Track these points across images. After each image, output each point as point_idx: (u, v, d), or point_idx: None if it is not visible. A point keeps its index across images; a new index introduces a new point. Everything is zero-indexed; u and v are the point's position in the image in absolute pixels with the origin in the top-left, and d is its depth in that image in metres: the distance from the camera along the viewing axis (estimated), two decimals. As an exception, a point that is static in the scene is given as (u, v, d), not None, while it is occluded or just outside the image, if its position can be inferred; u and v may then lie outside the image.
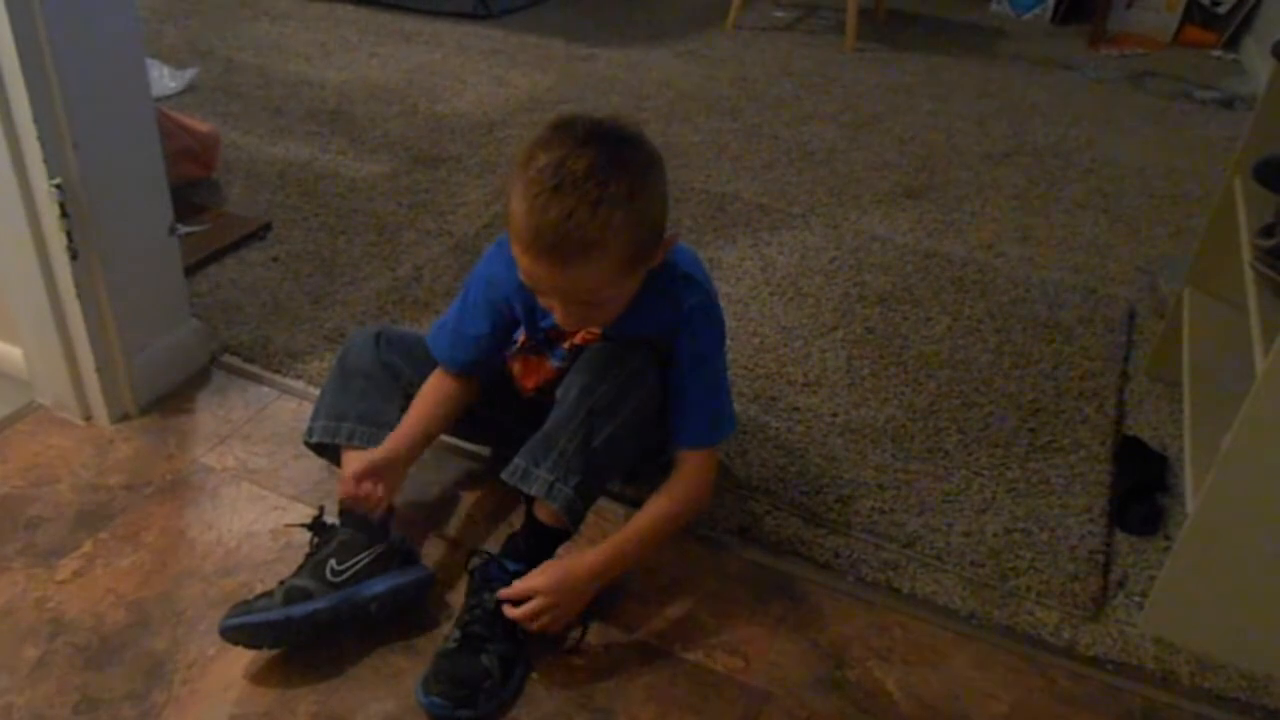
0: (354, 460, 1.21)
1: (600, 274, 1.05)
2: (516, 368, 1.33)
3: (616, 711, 1.12)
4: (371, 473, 1.19)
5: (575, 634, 1.18)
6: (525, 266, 1.07)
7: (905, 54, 3.47)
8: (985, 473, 1.50)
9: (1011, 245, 2.18)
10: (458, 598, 1.20)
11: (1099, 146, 2.77)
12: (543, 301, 1.14)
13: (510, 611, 1.12)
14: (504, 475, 1.18)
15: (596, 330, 1.21)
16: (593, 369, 1.18)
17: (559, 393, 1.20)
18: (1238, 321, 1.44)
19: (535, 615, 1.12)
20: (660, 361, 1.21)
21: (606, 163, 1.02)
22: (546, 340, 1.27)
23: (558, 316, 1.13)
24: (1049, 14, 4.00)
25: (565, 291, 1.09)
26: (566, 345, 1.25)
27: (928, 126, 2.82)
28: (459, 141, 2.48)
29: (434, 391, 1.28)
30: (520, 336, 1.29)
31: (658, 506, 1.20)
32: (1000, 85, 3.21)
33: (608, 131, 1.06)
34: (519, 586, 1.13)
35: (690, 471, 1.22)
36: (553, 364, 1.28)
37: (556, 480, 1.15)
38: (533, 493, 1.16)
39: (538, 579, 1.13)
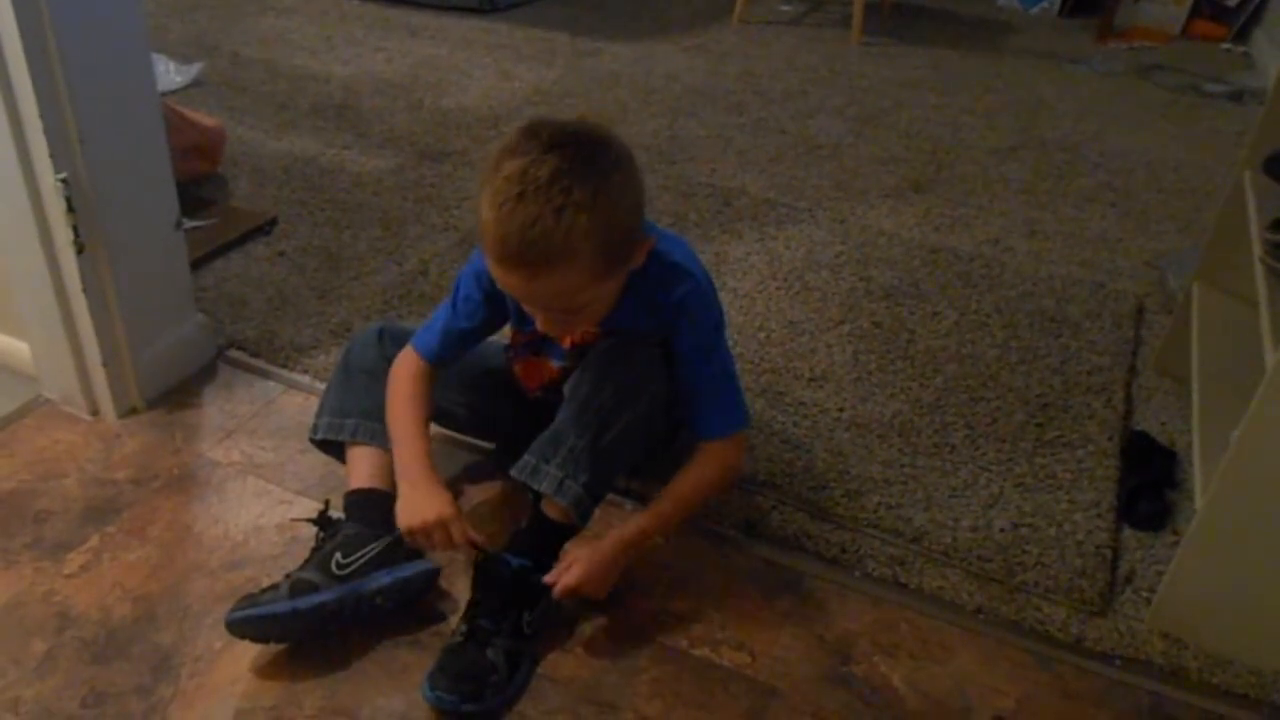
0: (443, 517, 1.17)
1: (571, 281, 1.05)
2: (519, 370, 1.33)
3: (622, 706, 1.12)
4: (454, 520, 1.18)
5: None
6: (498, 276, 1.07)
7: (912, 48, 3.46)
8: (992, 468, 1.49)
9: (1019, 240, 2.18)
10: (464, 593, 1.20)
11: (1107, 140, 2.75)
12: (526, 308, 1.15)
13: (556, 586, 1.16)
14: (513, 471, 1.18)
15: (593, 333, 1.21)
16: (601, 366, 1.18)
17: (567, 389, 1.20)
18: (1247, 316, 1.43)
19: (566, 589, 1.16)
20: (666, 356, 1.21)
21: (570, 168, 1.01)
22: (542, 338, 1.26)
23: (540, 324, 1.14)
24: (1056, 8, 3.99)
25: (541, 299, 1.09)
26: (566, 344, 1.25)
27: (934, 121, 2.81)
28: (464, 136, 2.48)
29: (415, 385, 1.26)
30: (510, 334, 1.29)
31: (683, 488, 1.21)
32: (1007, 79, 3.20)
33: (572, 136, 1.05)
34: (566, 588, 1.16)
35: (711, 460, 1.23)
36: (554, 364, 1.28)
37: (566, 477, 1.15)
38: (542, 489, 1.16)
39: (579, 572, 1.16)
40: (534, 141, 1.03)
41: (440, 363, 1.27)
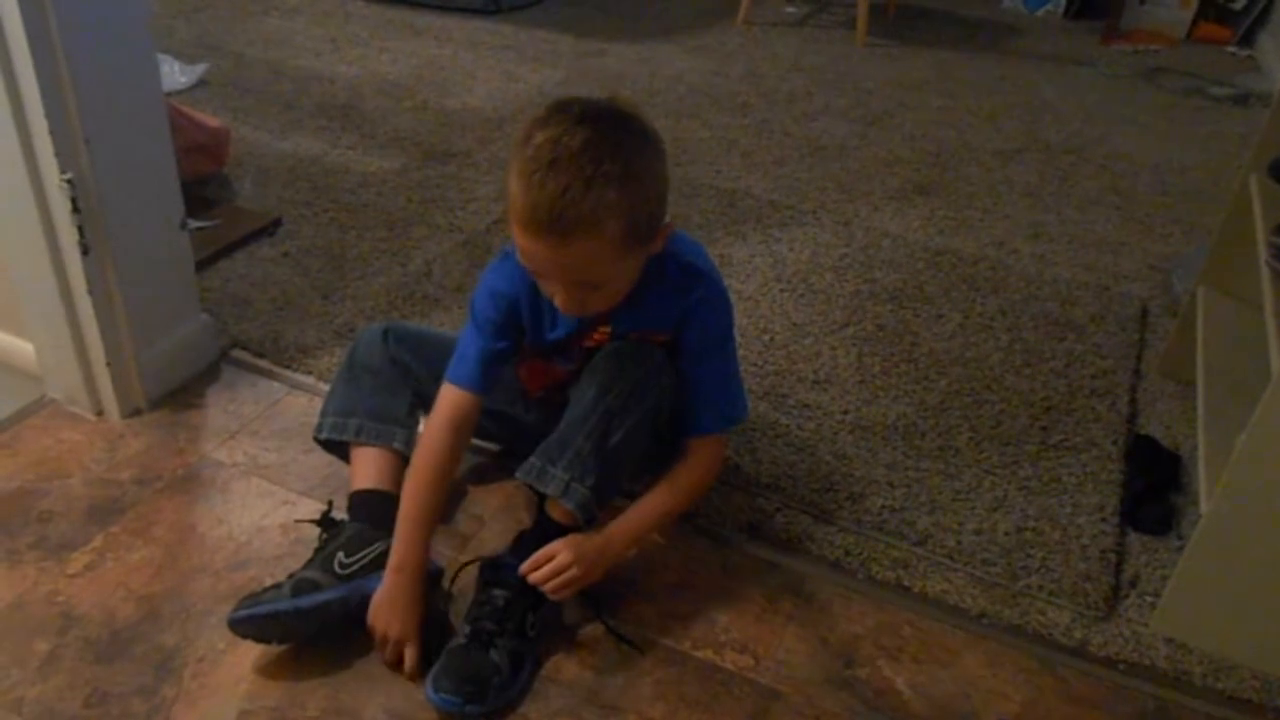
0: (388, 624, 1.13)
1: (597, 252, 1.04)
2: (522, 372, 1.33)
3: (625, 709, 1.12)
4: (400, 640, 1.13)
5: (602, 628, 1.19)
6: (524, 246, 1.06)
7: (916, 50, 3.45)
8: (996, 471, 1.49)
9: (1023, 242, 2.17)
10: (466, 593, 1.20)
11: (1112, 143, 2.75)
12: (544, 287, 1.13)
13: (533, 576, 1.12)
14: (519, 474, 1.19)
15: (606, 331, 1.21)
16: (608, 369, 1.18)
17: (573, 392, 1.20)
18: (1252, 320, 1.43)
19: (554, 575, 1.12)
20: (672, 357, 1.21)
21: (602, 139, 1.02)
22: (551, 349, 1.26)
23: (558, 301, 1.12)
24: (1061, 10, 3.98)
25: (564, 271, 1.08)
26: (577, 349, 1.25)
27: (939, 123, 2.81)
28: (469, 137, 2.48)
29: (443, 445, 1.20)
30: (525, 347, 1.29)
31: (673, 486, 1.21)
32: (1012, 81, 3.20)
33: (604, 110, 1.06)
34: (540, 553, 1.13)
35: (702, 457, 1.23)
36: (560, 367, 1.28)
37: (572, 480, 1.15)
38: (548, 492, 1.16)
39: (556, 544, 1.13)
40: (565, 114, 1.04)
41: (484, 390, 1.24)
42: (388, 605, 1.13)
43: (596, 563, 1.15)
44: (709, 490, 1.33)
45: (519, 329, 1.24)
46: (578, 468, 1.15)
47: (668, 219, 1.13)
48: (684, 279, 1.19)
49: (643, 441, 1.19)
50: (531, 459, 1.18)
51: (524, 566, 1.13)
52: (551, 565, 1.12)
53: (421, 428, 1.34)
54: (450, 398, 1.22)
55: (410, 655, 1.12)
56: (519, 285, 1.19)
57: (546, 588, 1.13)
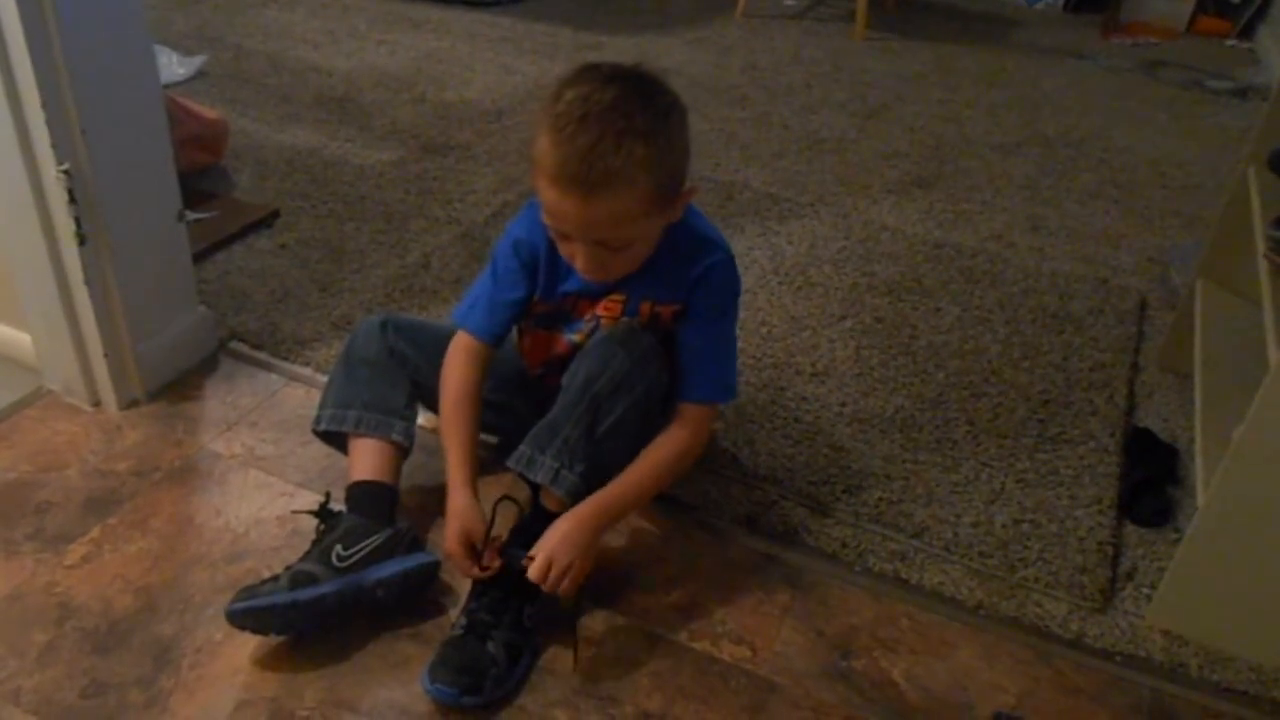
0: (458, 537, 1.16)
1: (626, 207, 1.05)
2: (526, 344, 1.32)
3: (622, 700, 1.12)
4: (472, 540, 1.16)
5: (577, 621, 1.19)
6: (552, 203, 1.07)
7: (915, 43, 3.45)
8: (994, 463, 1.49)
9: (1022, 235, 2.17)
10: (464, 585, 1.20)
11: (1111, 136, 2.75)
12: (564, 250, 1.14)
13: (547, 587, 1.12)
14: (510, 463, 1.19)
15: (618, 300, 1.21)
16: (598, 354, 1.18)
17: (564, 379, 1.20)
18: (1250, 313, 1.43)
19: (556, 578, 1.12)
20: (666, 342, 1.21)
21: (631, 96, 1.04)
22: (561, 310, 1.26)
23: (579, 263, 1.12)
24: (1061, 2, 3.98)
25: (590, 228, 1.08)
26: (586, 316, 1.25)
27: (938, 116, 2.81)
28: (467, 129, 2.47)
29: (466, 377, 1.24)
30: (532, 304, 1.28)
31: (657, 454, 1.20)
32: (1011, 75, 3.19)
33: (631, 71, 1.09)
34: (539, 561, 1.11)
35: (690, 424, 1.21)
36: (566, 338, 1.27)
37: (562, 467, 1.15)
38: (538, 480, 1.16)
39: (551, 546, 1.12)
40: (595, 73, 1.07)
41: (494, 339, 1.26)
42: (463, 513, 1.16)
43: (591, 545, 1.15)
44: (694, 463, 1.31)
45: (535, 283, 1.24)
46: (567, 455, 1.15)
47: (689, 184, 1.14)
48: (697, 249, 1.20)
49: (633, 428, 1.18)
50: (521, 447, 1.18)
51: (533, 574, 1.11)
52: (557, 570, 1.11)
53: (420, 419, 1.34)
54: (462, 343, 1.26)
55: (483, 555, 1.14)
56: (540, 234, 1.19)
57: (561, 590, 1.12)
